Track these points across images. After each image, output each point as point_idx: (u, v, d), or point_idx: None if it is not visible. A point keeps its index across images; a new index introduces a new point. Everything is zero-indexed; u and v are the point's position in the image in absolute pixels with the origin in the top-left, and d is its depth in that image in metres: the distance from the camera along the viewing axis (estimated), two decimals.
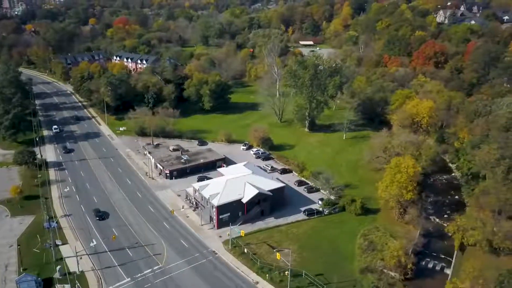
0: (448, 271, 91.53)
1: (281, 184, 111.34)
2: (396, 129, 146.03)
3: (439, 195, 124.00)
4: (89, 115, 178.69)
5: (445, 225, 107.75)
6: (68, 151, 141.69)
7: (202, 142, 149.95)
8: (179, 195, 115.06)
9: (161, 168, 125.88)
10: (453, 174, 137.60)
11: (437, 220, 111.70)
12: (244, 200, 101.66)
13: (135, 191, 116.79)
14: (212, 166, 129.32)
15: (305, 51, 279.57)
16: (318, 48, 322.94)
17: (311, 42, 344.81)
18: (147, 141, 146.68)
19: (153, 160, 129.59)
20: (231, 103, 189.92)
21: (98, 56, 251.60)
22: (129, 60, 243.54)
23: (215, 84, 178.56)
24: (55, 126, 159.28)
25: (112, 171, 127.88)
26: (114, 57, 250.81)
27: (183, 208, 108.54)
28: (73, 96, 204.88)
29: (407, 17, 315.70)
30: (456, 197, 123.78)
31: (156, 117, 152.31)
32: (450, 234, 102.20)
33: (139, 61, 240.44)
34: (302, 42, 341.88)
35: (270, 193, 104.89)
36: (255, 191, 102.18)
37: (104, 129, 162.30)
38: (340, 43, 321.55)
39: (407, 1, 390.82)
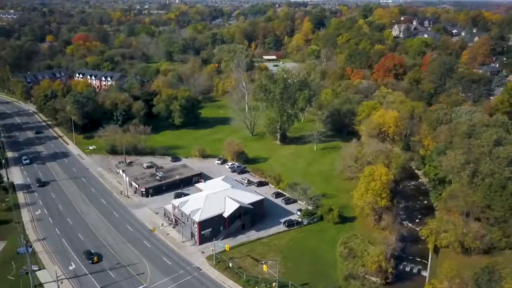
0: (425, 273, 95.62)
1: (261, 197, 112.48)
2: (364, 139, 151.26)
3: (409, 201, 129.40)
4: (55, 135, 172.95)
5: (418, 229, 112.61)
6: (42, 184, 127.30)
7: (176, 158, 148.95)
8: (157, 213, 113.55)
9: (136, 186, 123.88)
10: (420, 180, 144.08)
11: (410, 225, 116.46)
12: (226, 215, 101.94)
13: (111, 211, 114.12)
14: (188, 182, 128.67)
15: (269, 66, 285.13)
16: (281, 63, 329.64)
17: (274, 57, 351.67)
18: (119, 159, 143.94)
19: (127, 178, 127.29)
20: (201, 118, 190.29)
21: (60, 74, 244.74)
22: (93, 77, 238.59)
23: (185, 99, 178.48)
24: (25, 157, 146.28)
25: (85, 192, 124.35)
26: (77, 75, 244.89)
27: (162, 226, 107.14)
28: (36, 115, 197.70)
29: (365, 32, 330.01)
30: (425, 202, 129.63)
31: (127, 134, 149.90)
32: (423, 238, 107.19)
33: (103, 78, 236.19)
34: (265, 57, 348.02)
35: (251, 206, 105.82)
36: (236, 205, 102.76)
37: (73, 148, 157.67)
38: (302, 57, 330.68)
39: (364, 17, 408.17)
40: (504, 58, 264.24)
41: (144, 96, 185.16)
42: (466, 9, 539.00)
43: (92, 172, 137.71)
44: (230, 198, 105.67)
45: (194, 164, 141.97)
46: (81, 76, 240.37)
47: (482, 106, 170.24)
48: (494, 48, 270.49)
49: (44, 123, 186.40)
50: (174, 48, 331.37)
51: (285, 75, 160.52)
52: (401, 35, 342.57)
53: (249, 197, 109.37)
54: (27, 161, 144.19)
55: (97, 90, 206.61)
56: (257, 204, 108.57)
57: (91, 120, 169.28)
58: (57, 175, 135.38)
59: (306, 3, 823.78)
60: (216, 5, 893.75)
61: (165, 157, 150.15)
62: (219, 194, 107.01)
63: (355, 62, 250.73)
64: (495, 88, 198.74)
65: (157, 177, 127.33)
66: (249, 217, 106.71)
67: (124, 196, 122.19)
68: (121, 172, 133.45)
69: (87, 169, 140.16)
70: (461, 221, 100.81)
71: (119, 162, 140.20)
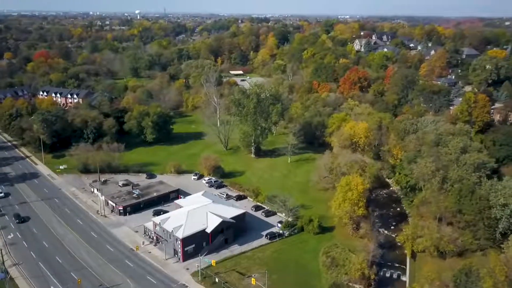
0: (405, 278, 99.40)
1: (242, 211, 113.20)
2: (336, 150, 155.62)
3: (383, 209, 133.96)
4: (22, 155, 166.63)
5: (394, 236, 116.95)
6: (22, 220, 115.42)
7: (151, 175, 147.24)
8: (136, 231, 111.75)
9: (114, 204, 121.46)
10: (391, 188, 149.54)
11: (386, 232, 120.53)
12: (209, 230, 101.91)
13: (89, 231, 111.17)
14: (166, 198, 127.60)
15: (237, 81, 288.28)
16: (248, 77, 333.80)
17: (241, 72, 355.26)
18: (93, 178, 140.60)
19: (103, 197, 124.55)
20: (174, 134, 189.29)
21: (22, 92, 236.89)
22: (58, 94, 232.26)
23: (157, 115, 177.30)
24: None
25: (59, 213, 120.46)
26: (40, 93, 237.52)
27: (143, 244, 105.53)
28: (0, 135, 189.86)
29: (329, 47, 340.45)
30: (398, 209, 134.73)
31: (100, 152, 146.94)
32: (400, 244, 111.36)
33: (69, 96, 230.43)
34: (232, 72, 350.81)
35: (233, 221, 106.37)
36: (219, 220, 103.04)
37: (42, 168, 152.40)
38: (268, 71, 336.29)
39: (326, 32, 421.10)
40: (459, 70, 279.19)
41: (115, 113, 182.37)
42: (420, 24, 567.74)
43: (65, 192, 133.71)
44: (212, 213, 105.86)
45: (170, 180, 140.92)
46: (45, 94, 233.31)
47: (444, 116, 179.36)
48: (449, 61, 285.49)
49: (9, 143, 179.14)
50: (140, 64, 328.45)
51: (258, 90, 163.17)
52: (362, 50, 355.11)
53: (230, 211, 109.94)
54: (1, 194, 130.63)
55: (66, 108, 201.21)
56: (238, 218, 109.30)
57: (60, 139, 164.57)
58: (28, 196, 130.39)
59: (268, 19, 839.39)
60: (179, 20, 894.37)
61: (140, 174, 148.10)
62: (200, 209, 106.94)
63: (321, 76, 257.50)
64: (454, 99, 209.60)
65: (134, 195, 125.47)
66: (232, 231, 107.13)
67: (101, 215, 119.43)
68: (96, 191, 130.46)
69: (59, 189, 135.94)
70: (435, 226, 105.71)
71: (93, 181, 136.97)
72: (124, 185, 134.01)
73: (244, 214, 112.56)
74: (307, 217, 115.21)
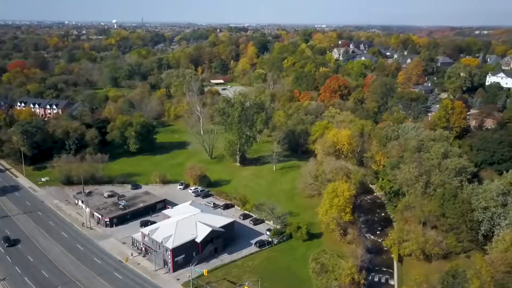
0: (393, 282, 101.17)
1: (231, 219, 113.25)
2: (320, 157, 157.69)
3: (368, 214, 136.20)
4: (2, 168, 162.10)
5: (380, 240, 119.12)
6: (12, 243, 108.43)
7: (136, 186, 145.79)
8: (124, 243, 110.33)
9: (99, 216, 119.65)
10: (375, 193, 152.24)
11: (372, 237, 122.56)
12: (199, 240, 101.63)
13: (75, 244, 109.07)
14: (152, 209, 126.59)
15: (218, 90, 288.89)
16: (229, 86, 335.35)
17: (221, 81, 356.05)
18: (76, 189, 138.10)
19: (88, 209, 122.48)
20: (157, 144, 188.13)
21: None
22: (37, 105, 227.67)
23: (140, 125, 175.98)
24: None
25: (44, 226, 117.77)
26: (18, 104, 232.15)
27: (132, 255, 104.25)
28: None
29: (308, 55, 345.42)
30: (383, 214, 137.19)
31: (83, 163, 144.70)
32: (386, 248, 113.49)
33: (48, 106, 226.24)
34: (212, 81, 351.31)
35: (223, 230, 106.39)
36: (208, 229, 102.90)
37: (23, 181, 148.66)
38: (249, 80, 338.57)
39: (305, 41, 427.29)
40: (435, 78, 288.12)
41: (97, 124, 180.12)
42: (394, 33, 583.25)
43: (48, 204, 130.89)
44: (201, 222, 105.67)
45: (156, 191, 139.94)
46: (23, 104, 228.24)
47: (422, 122, 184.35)
48: (425, 69, 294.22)
49: None
50: (120, 73, 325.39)
51: (242, 99, 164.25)
52: (341, 58, 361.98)
53: (219, 220, 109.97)
54: None
55: (45, 119, 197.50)
56: (227, 227, 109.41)
57: (40, 151, 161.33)
58: (10, 210, 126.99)
59: (246, 28, 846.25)
60: (157, 30, 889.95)
61: (125, 185, 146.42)
62: (189, 219, 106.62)
63: (302, 85, 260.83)
64: (431, 106, 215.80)
65: (120, 206, 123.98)
66: (221, 240, 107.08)
67: (87, 227, 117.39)
68: (80, 203, 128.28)
69: (42, 202, 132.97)
70: (420, 230, 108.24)
71: (78, 193, 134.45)
72: (109, 196, 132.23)
73: (233, 223, 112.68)
74: (295, 224, 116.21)
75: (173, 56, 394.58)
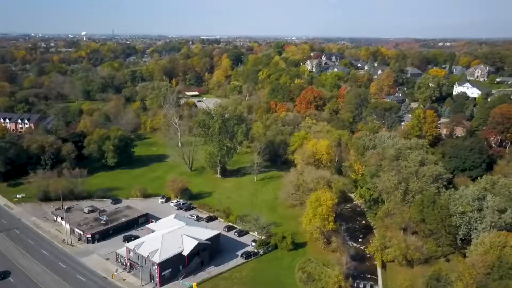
0: None
1: (216, 232, 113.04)
2: (300, 167, 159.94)
3: (349, 223, 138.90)
4: None
5: (363, 247, 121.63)
6: (2, 276, 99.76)
7: (116, 200, 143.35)
8: (107, 259, 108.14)
9: (81, 232, 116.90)
10: (354, 202, 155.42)
11: (354, 244, 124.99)
12: (185, 253, 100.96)
13: (57, 262, 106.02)
14: (135, 223, 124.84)
15: (195, 102, 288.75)
16: (204, 98, 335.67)
17: (196, 93, 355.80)
18: (54, 205, 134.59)
19: (68, 226, 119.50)
20: (135, 157, 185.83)
21: None
22: (7, 120, 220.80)
23: (118, 139, 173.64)
24: None
25: (22, 244, 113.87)
26: None
27: (116, 271, 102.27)
28: None
29: (283, 67, 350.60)
30: (363, 222, 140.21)
31: (61, 178, 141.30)
32: (369, 255, 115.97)
33: (19, 121, 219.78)
34: (187, 93, 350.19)
35: (209, 242, 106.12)
36: (195, 242, 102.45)
37: None
38: (224, 92, 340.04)
39: (278, 53, 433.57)
40: (405, 88, 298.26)
41: (73, 138, 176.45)
42: (362, 45, 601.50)
43: (26, 222, 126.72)
44: (187, 235, 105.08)
45: (137, 205, 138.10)
46: None
47: (397, 131, 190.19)
48: (396, 79, 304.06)
49: None
50: (93, 86, 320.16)
51: (222, 111, 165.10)
52: (314, 70, 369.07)
53: (205, 233, 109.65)
54: None
55: (18, 134, 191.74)
56: (213, 240, 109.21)
57: (14, 167, 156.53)
58: None
59: (219, 40, 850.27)
60: (128, 42, 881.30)
61: (105, 199, 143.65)
62: (175, 232, 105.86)
63: (278, 96, 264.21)
64: (404, 115, 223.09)
65: (102, 221, 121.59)
66: (207, 253, 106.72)
67: (68, 244, 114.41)
68: (59, 219, 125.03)
69: (18, 219, 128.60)
70: (402, 236, 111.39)
71: (56, 209, 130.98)
72: (89, 211, 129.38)
73: (218, 235, 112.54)
74: (280, 234, 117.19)
75: (146, 69, 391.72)
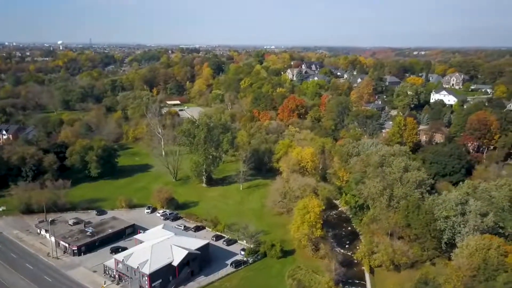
0: None
1: (205, 241, 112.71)
2: (286, 175, 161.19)
3: (335, 229, 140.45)
4: None
5: (350, 253, 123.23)
6: None
7: (101, 212, 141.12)
8: (95, 271, 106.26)
9: (66, 245, 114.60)
10: (339, 208, 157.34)
11: (342, 250, 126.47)
12: (175, 263, 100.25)
13: (42, 275, 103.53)
14: (122, 234, 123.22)
15: (177, 111, 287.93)
16: (186, 107, 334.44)
17: (178, 102, 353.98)
18: (37, 218, 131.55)
19: (53, 238, 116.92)
20: (118, 167, 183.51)
21: None
22: None
23: (101, 149, 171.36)
24: None
25: (5, 258, 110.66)
26: None
27: (105, 283, 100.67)
28: None
29: (264, 76, 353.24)
30: (349, 228, 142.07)
31: (44, 190, 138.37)
32: (356, 261, 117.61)
33: None
34: (169, 102, 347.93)
35: (199, 252, 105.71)
36: (185, 252, 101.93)
37: None
38: (206, 101, 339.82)
39: (259, 62, 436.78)
40: (385, 96, 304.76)
41: (54, 148, 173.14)
42: (340, 54, 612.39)
43: (8, 235, 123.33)
44: (176, 246, 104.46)
45: (123, 216, 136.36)
46: None
47: (378, 138, 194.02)
48: (375, 88, 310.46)
49: None
50: (72, 96, 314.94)
51: (207, 120, 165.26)
52: (295, 79, 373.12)
53: (194, 242, 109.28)
54: None
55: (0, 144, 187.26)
56: (203, 249, 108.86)
57: None
58: None
59: (198, 49, 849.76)
60: (106, 51, 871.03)
61: (89, 211, 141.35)
62: (164, 243, 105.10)
63: (261, 105, 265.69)
64: (384, 122, 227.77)
65: (88, 233, 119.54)
66: (197, 263, 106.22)
67: (53, 257, 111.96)
68: (43, 232, 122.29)
69: (0, 233, 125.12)
70: (388, 241, 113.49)
71: (40, 221, 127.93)
72: (74, 223, 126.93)
73: (207, 245, 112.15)
74: (269, 242, 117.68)
75: (126, 78, 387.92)
